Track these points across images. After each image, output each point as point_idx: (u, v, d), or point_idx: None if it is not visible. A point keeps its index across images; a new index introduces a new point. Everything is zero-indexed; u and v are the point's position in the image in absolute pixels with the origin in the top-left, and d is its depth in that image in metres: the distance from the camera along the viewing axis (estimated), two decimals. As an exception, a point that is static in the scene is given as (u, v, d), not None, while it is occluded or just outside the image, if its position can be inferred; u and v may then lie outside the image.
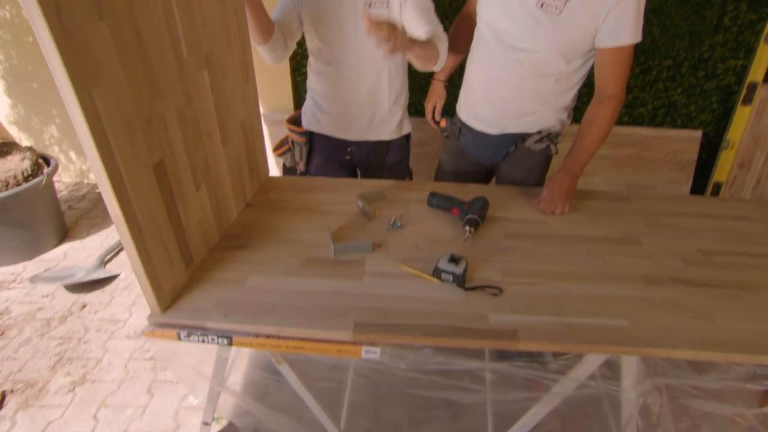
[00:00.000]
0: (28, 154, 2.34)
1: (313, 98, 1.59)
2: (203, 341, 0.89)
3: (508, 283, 0.98)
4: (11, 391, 1.62)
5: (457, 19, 1.55)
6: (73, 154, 2.97)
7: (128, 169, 0.79)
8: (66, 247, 2.41)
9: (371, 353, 0.87)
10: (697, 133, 2.37)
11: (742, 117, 2.26)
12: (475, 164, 1.56)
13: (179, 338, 0.90)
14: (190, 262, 1.02)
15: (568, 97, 1.35)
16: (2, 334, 1.86)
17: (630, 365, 0.94)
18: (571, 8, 1.15)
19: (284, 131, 1.71)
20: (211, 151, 1.08)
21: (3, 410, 1.56)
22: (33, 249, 2.33)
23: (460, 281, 0.96)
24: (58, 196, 2.77)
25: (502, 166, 1.49)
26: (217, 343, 0.89)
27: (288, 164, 1.70)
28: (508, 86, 1.34)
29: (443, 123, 1.59)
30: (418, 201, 1.30)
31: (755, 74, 2.17)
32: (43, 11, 0.61)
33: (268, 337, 0.88)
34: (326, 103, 1.55)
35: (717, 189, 2.42)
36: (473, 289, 0.96)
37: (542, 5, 1.18)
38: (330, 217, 1.23)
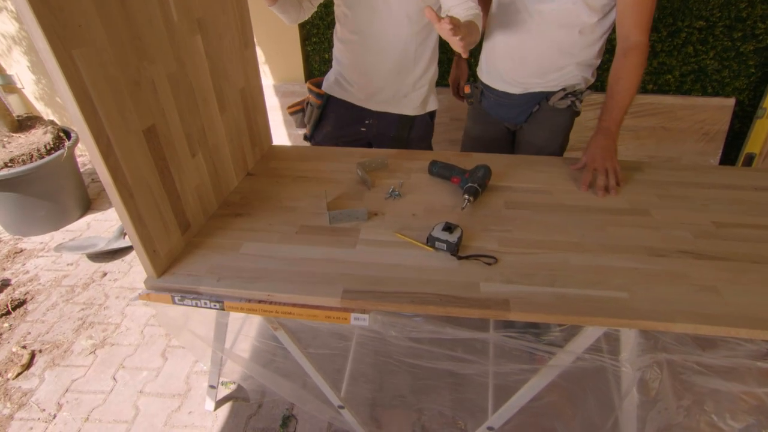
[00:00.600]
0: (50, 128, 2.41)
1: (337, 66, 1.53)
2: (196, 305, 0.91)
3: (503, 253, 0.96)
4: (39, 351, 1.72)
5: None
6: (95, 128, 3.05)
7: (116, 133, 0.79)
8: (89, 218, 2.50)
9: (360, 320, 0.87)
10: (730, 101, 2.22)
11: (781, 82, 2.10)
12: (499, 129, 1.52)
13: (173, 302, 0.92)
14: (187, 229, 1.03)
15: (592, 51, 1.29)
16: (32, 298, 1.97)
17: (628, 339, 0.91)
18: None
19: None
20: (207, 118, 1.08)
21: (32, 368, 1.66)
22: (59, 220, 2.43)
23: (454, 250, 0.94)
24: (82, 169, 2.86)
25: (526, 128, 1.45)
26: (210, 307, 0.91)
27: (296, 125, 1.66)
28: (532, 41, 1.29)
29: (467, 89, 1.57)
30: (419, 170, 1.28)
31: (798, 35, 2.00)
32: None
33: (259, 302, 0.89)
34: (349, 73, 1.49)
35: (749, 161, 2.28)
36: (467, 258, 0.94)
37: None
38: (329, 185, 1.22)
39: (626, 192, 1.19)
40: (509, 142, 1.55)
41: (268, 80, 2.50)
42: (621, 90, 1.20)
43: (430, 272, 0.91)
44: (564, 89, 1.34)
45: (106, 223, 2.46)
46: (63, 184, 2.38)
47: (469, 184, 1.10)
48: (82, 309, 1.91)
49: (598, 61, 1.34)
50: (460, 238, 0.95)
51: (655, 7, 1.17)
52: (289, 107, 1.65)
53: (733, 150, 2.34)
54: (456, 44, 1.05)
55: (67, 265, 2.15)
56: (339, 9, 1.41)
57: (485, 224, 1.05)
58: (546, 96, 1.36)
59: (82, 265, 2.15)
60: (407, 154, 1.39)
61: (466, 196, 1.08)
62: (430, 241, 0.96)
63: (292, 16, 1.40)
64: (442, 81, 2.37)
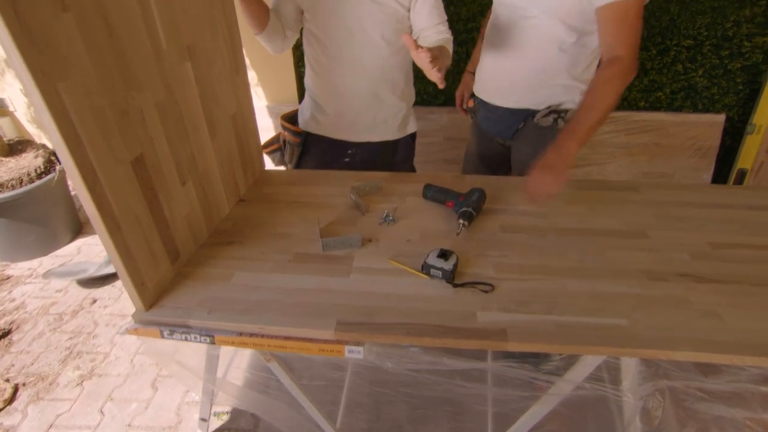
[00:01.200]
0: (41, 151, 2.39)
1: (311, 97, 1.50)
2: (186, 339, 0.88)
3: (500, 280, 0.94)
4: (23, 384, 1.67)
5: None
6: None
7: (102, 165, 0.77)
8: (80, 242, 2.46)
9: (355, 353, 0.85)
10: (720, 117, 2.24)
11: (769, 99, 2.12)
12: (494, 145, 1.52)
13: (162, 336, 0.89)
14: (176, 258, 1.00)
15: (578, 70, 1.28)
16: (18, 328, 1.92)
17: (629, 367, 0.89)
18: None
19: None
20: (197, 144, 1.07)
21: (15, 403, 1.60)
22: (48, 244, 2.39)
23: (449, 277, 0.92)
24: (73, 192, 2.83)
25: (515, 146, 1.45)
26: (200, 341, 0.88)
27: (275, 164, 1.61)
28: (517, 57, 1.30)
29: (471, 103, 1.58)
30: (413, 193, 1.26)
31: (784, 52, 2.03)
32: None
33: (251, 335, 0.87)
34: (325, 101, 1.46)
35: (741, 176, 2.29)
36: (462, 285, 0.92)
37: None
38: (323, 210, 1.20)
39: (623, 213, 1.18)
40: (506, 159, 1.55)
41: (261, 102, 2.50)
42: (590, 102, 1.12)
43: (425, 301, 0.89)
44: (549, 107, 1.33)
45: (96, 248, 2.42)
46: (53, 208, 2.35)
47: (464, 209, 1.09)
48: (70, 338, 1.86)
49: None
50: (455, 265, 0.93)
51: (641, 26, 1.14)
52: (264, 146, 1.57)
53: (725, 165, 2.36)
54: (433, 74, 1.05)
55: (56, 291, 2.11)
56: (311, 34, 1.39)
57: (481, 249, 1.04)
58: (532, 113, 1.36)
59: (71, 291, 2.11)
60: (401, 177, 1.37)
61: (461, 221, 1.07)
62: (425, 268, 0.94)
63: (276, 46, 1.39)
64: (434, 101, 2.39)
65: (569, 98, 1.33)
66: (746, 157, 2.25)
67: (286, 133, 1.55)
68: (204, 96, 1.08)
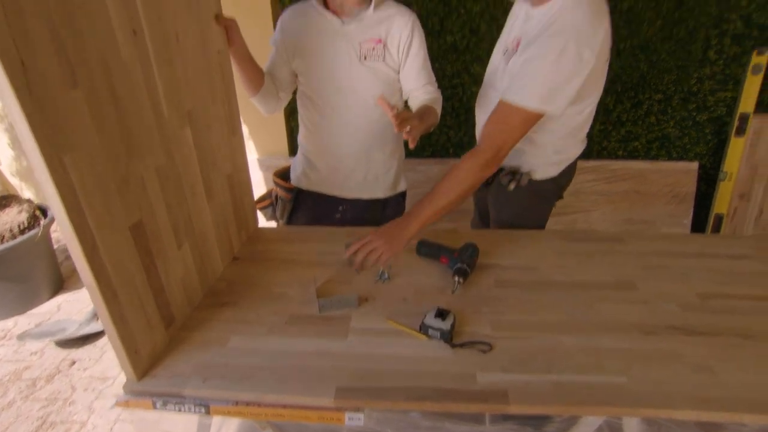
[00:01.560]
0: (25, 206, 2.36)
1: (303, 154, 1.54)
2: (179, 410, 0.86)
3: (497, 338, 0.94)
4: (-10, 459, 1.56)
5: None
6: (72, 203, 3.00)
7: (102, 233, 0.77)
8: (60, 299, 2.39)
9: (355, 420, 0.83)
10: (694, 165, 2.36)
11: (736, 148, 2.25)
12: (483, 194, 1.55)
13: (155, 407, 0.86)
14: (171, 323, 0.99)
15: (543, 138, 1.28)
16: (-14, 396, 1.81)
17: (630, 426, 0.88)
18: (514, 60, 1.17)
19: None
20: (195, 207, 1.08)
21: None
22: (26, 303, 2.30)
23: (447, 337, 0.92)
24: (56, 246, 2.77)
25: (488, 198, 1.50)
26: (194, 411, 0.85)
27: (267, 219, 1.63)
28: (482, 118, 1.34)
29: None
30: (407, 249, 1.27)
31: (745, 105, 2.18)
32: (11, 82, 0.61)
33: (247, 404, 0.84)
34: (317, 158, 1.50)
35: (719, 221, 2.38)
36: (461, 345, 0.92)
37: (505, 52, 1.24)
38: (317, 269, 1.20)
39: (610, 264, 1.21)
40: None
41: (252, 155, 2.55)
42: (443, 187, 1.13)
43: (424, 363, 0.89)
44: (506, 169, 1.34)
45: (78, 304, 2.34)
46: (35, 264, 2.29)
47: (459, 265, 1.11)
48: (44, 406, 1.75)
49: (552, 159, 1.33)
50: (453, 325, 0.93)
51: (518, 135, 1.14)
52: (257, 202, 1.59)
53: (703, 210, 2.45)
54: (404, 135, 1.10)
55: (31, 354, 2.01)
56: (305, 95, 1.45)
57: (477, 306, 1.05)
58: (497, 171, 1.35)
59: (48, 353, 2.01)
60: (394, 231, 1.39)
61: (457, 278, 1.08)
62: (423, 328, 0.94)
63: (270, 107, 1.45)
64: (422, 153, 2.46)
65: (524, 161, 1.33)
66: (721, 203, 2.35)
67: (278, 189, 1.57)
68: (202, 159, 1.10)
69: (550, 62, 1.06)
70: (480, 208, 1.61)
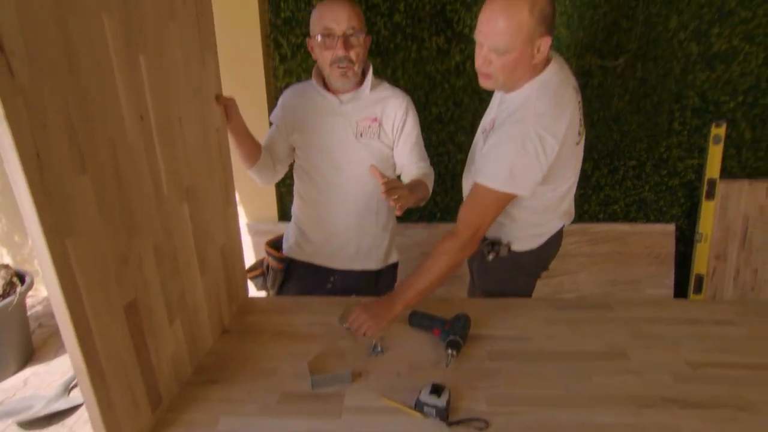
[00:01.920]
0: (2, 272, 2.29)
1: (297, 224, 1.57)
2: (164, 503, 0.81)
3: (493, 414, 0.93)
4: None
5: None
6: (54, 268, 2.93)
7: (97, 314, 0.76)
8: (29, 371, 2.23)
9: None
10: (671, 227, 2.45)
11: (708, 211, 2.36)
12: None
13: (137, 501, 0.81)
14: (158, 405, 0.95)
15: (512, 219, 1.33)
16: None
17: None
18: (488, 141, 1.23)
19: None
20: (188, 281, 1.08)
21: None
22: (-7, 376, 2.17)
23: (443, 414, 0.90)
24: (31, 312, 2.67)
25: (473, 268, 1.52)
26: (180, 504, 0.80)
27: (257, 289, 1.62)
28: (467, 188, 1.41)
29: None
30: (398, 320, 1.28)
31: (711, 172, 2.31)
32: (26, 173, 0.63)
33: (237, 494, 0.80)
34: (311, 230, 1.53)
35: (700, 282, 2.44)
36: (458, 423, 0.90)
37: (483, 131, 1.31)
38: (308, 342, 1.19)
39: (601, 333, 1.22)
40: None
41: (241, 219, 2.57)
42: (423, 269, 1.21)
43: (422, 443, 0.87)
44: (487, 240, 1.37)
45: (48, 377, 2.18)
46: (6, 335, 2.16)
47: (451, 338, 1.11)
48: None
49: (541, 227, 1.36)
50: (448, 401, 0.92)
51: (492, 215, 1.19)
52: (248, 271, 1.59)
53: (684, 270, 2.51)
54: (391, 203, 1.14)
55: (-7, 436, 1.87)
56: (301, 169, 1.50)
57: (471, 380, 1.04)
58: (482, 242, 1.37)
59: (11, 435, 1.87)
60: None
61: (450, 351, 1.08)
62: (419, 405, 0.93)
63: (266, 179, 1.49)
64: (410, 217, 2.51)
65: (504, 233, 1.37)
66: (700, 263, 2.42)
67: (269, 258, 1.57)
68: (197, 233, 1.11)
69: (515, 147, 1.12)
70: (473, 274, 1.64)
